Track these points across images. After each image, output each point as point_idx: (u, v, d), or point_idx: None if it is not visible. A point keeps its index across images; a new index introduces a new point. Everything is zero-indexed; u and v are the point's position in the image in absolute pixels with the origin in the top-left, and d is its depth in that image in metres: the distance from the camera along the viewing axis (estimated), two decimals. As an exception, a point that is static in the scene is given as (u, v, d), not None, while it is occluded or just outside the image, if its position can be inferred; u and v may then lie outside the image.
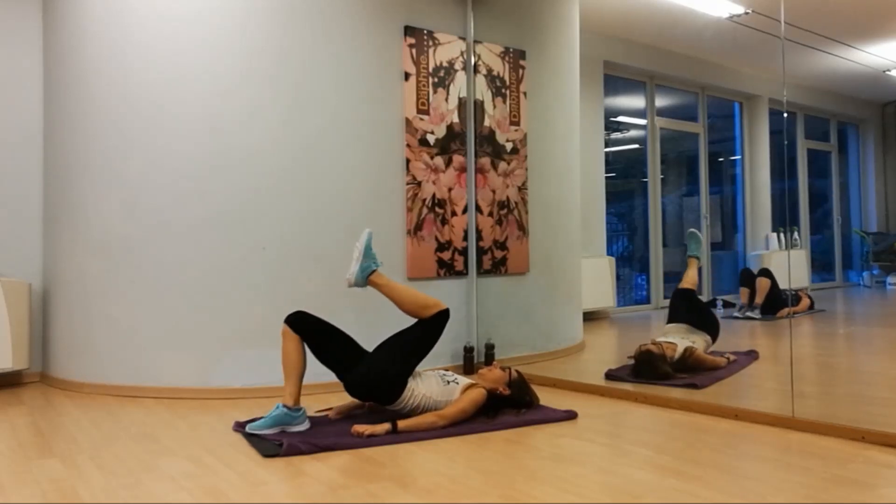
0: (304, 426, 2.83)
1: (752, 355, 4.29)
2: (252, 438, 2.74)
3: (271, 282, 3.69)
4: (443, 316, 2.96)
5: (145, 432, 2.92)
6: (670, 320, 4.22)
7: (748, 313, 5.51)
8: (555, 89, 4.82)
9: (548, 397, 3.39)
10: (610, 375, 3.87)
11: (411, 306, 2.96)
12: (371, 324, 3.78)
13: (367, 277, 2.97)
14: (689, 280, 4.29)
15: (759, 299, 5.49)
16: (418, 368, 2.97)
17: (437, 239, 4.21)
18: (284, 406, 2.79)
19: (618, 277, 5.95)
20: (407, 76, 4.12)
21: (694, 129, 6.04)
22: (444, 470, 2.36)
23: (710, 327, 4.16)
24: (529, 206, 4.65)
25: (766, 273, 5.53)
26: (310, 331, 2.89)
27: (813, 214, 6.29)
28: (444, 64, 4.28)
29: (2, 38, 4.10)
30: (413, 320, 3.00)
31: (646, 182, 5.92)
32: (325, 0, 3.86)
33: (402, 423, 2.77)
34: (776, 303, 5.47)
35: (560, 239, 4.81)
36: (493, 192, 4.47)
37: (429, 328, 2.95)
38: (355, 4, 3.95)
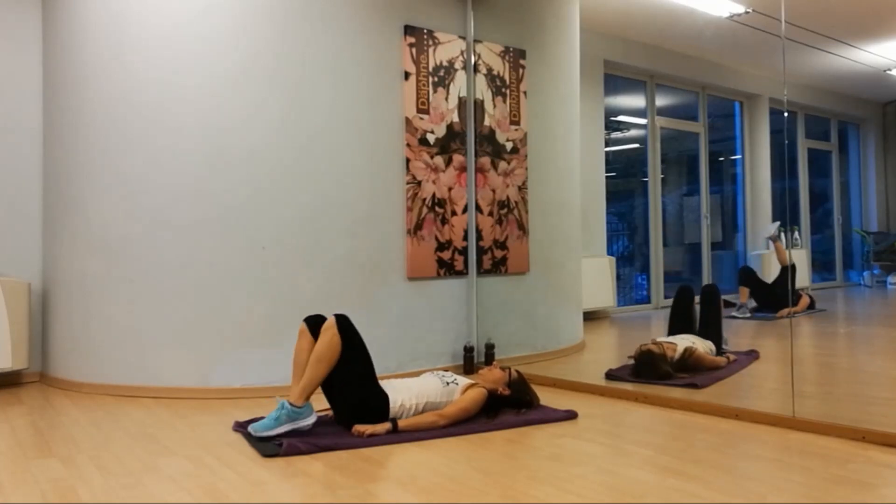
0: (312, 419, 2.79)
1: (752, 355, 4.29)
2: (252, 438, 2.73)
3: (271, 281, 3.69)
4: (342, 325, 2.81)
5: (145, 432, 2.91)
6: (672, 329, 4.22)
7: (734, 313, 5.53)
8: (555, 89, 4.82)
9: (548, 397, 3.39)
10: (610, 375, 3.86)
11: (325, 362, 2.78)
12: (372, 325, 3.78)
13: (292, 408, 2.75)
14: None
15: (742, 299, 5.55)
16: (403, 379, 2.96)
17: (437, 238, 4.20)
18: (289, 403, 2.76)
19: (618, 277, 5.95)
20: (407, 75, 4.12)
21: (694, 128, 6.04)
22: (444, 470, 2.36)
23: (714, 338, 4.15)
24: (529, 206, 4.65)
25: (742, 280, 5.58)
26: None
27: (813, 214, 6.29)
28: (444, 63, 4.28)
29: (1, 38, 4.10)
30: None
31: (646, 181, 5.92)
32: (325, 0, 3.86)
33: (402, 423, 2.77)
34: (777, 302, 5.47)
35: (560, 239, 4.81)
36: (493, 191, 4.47)
37: (347, 342, 2.81)
38: (355, 4, 3.95)
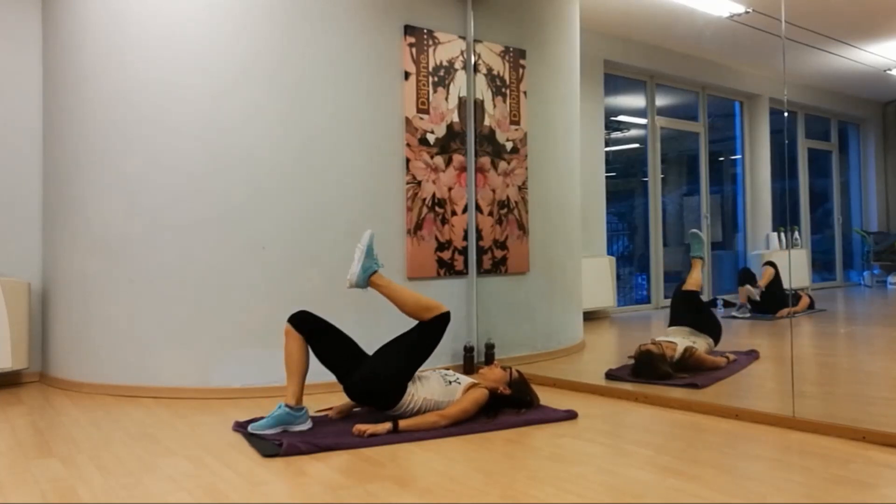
0: (306, 426, 2.83)
1: (752, 355, 4.29)
2: (252, 438, 2.73)
3: (271, 281, 3.69)
4: (443, 319, 2.94)
5: (145, 432, 2.91)
6: (672, 323, 4.21)
7: (734, 313, 5.53)
8: (555, 89, 4.81)
9: (548, 397, 3.39)
10: (610, 375, 3.86)
11: (412, 308, 2.94)
12: (372, 324, 3.78)
13: (368, 278, 2.96)
14: (692, 282, 4.25)
15: (762, 283, 5.51)
16: (419, 371, 2.96)
17: (437, 238, 4.20)
18: (286, 406, 2.79)
19: (618, 277, 5.95)
20: (407, 75, 4.12)
21: (694, 128, 6.04)
22: (444, 470, 2.36)
23: (713, 330, 4.15)
24: (529, 206, 4.65)
25: (772, 263, 5.55)
26: (312, 331, 2.88)
27: (813, 214, 6.29)
28: (444, 63, 4.28)
29: (1, 38, 4.10)
30: (413, 323, 2.99)
31: (646, 181, 5.92)
32: (325, -1, 3.86)
33: (403, 423, 2.77)
34: (776, 302, 5.47)
35: (560, 239, 4.81)
36: (493, 191, 4.47)
37: (429, 331, 2.93)
38: (355, 4, 3.95)
